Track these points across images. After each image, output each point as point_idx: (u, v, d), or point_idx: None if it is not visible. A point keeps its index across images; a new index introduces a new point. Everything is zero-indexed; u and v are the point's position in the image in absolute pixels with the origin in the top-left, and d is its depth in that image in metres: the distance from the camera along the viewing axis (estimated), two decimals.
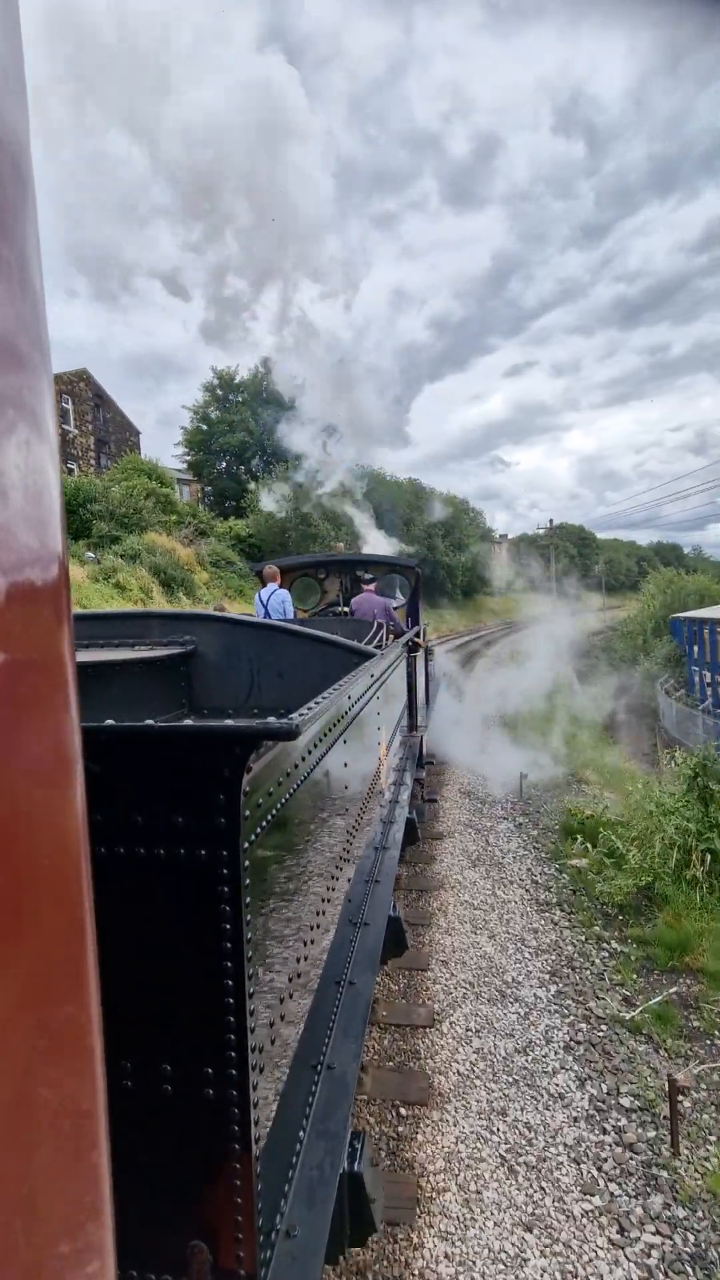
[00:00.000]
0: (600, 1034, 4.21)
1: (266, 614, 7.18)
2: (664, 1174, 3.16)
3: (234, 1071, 1.19)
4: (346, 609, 8.47)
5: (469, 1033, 4.22)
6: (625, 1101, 3.61)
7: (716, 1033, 4.22)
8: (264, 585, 7.52)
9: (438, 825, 8.05)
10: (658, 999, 4.51)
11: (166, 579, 24.14)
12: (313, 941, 1.86)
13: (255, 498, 33.98)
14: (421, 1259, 2.76)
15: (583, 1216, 2.95)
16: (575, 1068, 3.89)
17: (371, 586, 7.80)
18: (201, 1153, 1.21)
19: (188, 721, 1.47)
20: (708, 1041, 4.16)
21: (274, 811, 1.44)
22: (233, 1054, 1.18)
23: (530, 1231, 2.89)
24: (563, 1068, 3.88)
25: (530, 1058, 3.99)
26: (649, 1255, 2.79)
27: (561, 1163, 3.22)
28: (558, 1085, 3.74)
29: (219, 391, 43.76)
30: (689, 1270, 2.73)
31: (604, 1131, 3.42)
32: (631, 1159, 3.24)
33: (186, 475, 43.66)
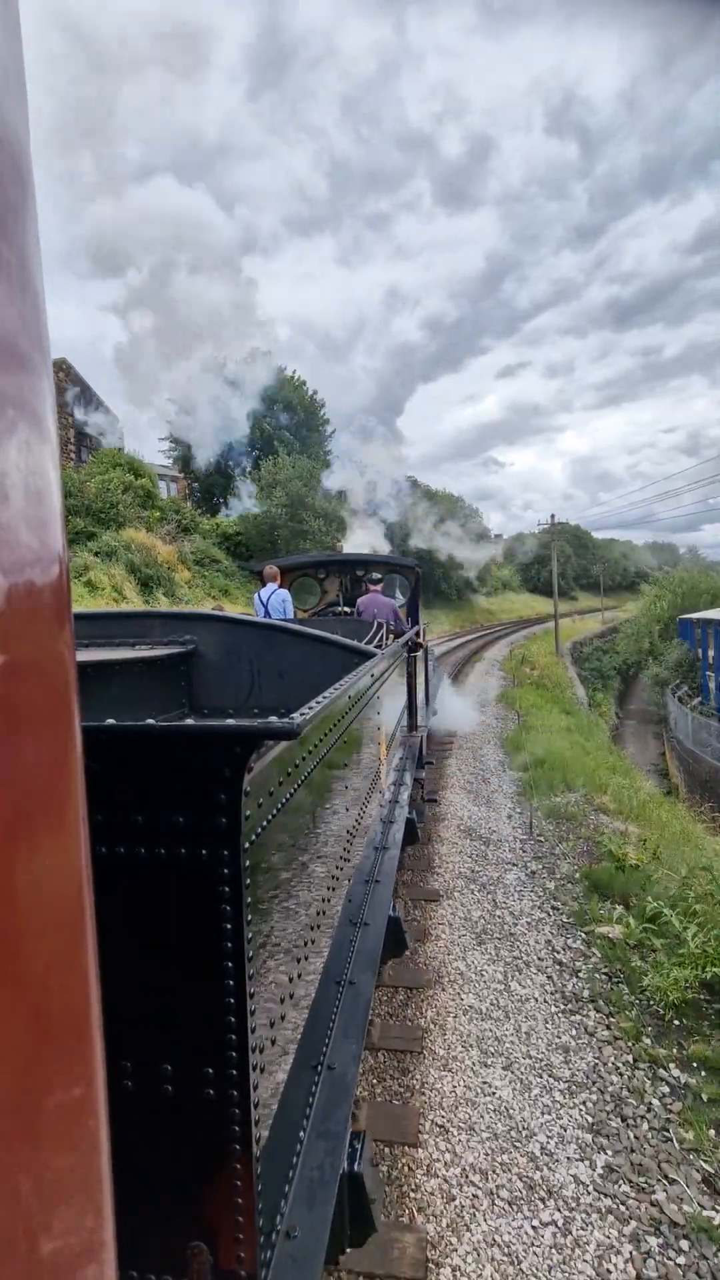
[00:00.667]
0: (684, 1258, 2.79)
1: (266, 614, 7.06)
2: None
3: (234, 1071, 1.19)
4: (347, 609, 8.39)
5: None
6: None
7: None
8: (264, 585, 7.39)
9: (433, 879, 6.36)
10: None
11: (143, 578, 22.79)
12: (313, 941, 1.85)
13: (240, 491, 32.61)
14: None
15: None
16: None
17: (378, 587, 7.67)
18: (202, 1153, 1.21)
19: (188, 721, 1.28)
20: None
21: (275, 811, 1.44)
22: (233, 1054, 1.18)
23: None
24: None
25: None
26: None
27: None
28: None
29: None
30: None
31: None
32: None
33: (172, 471, 42.21)
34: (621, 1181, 3.11)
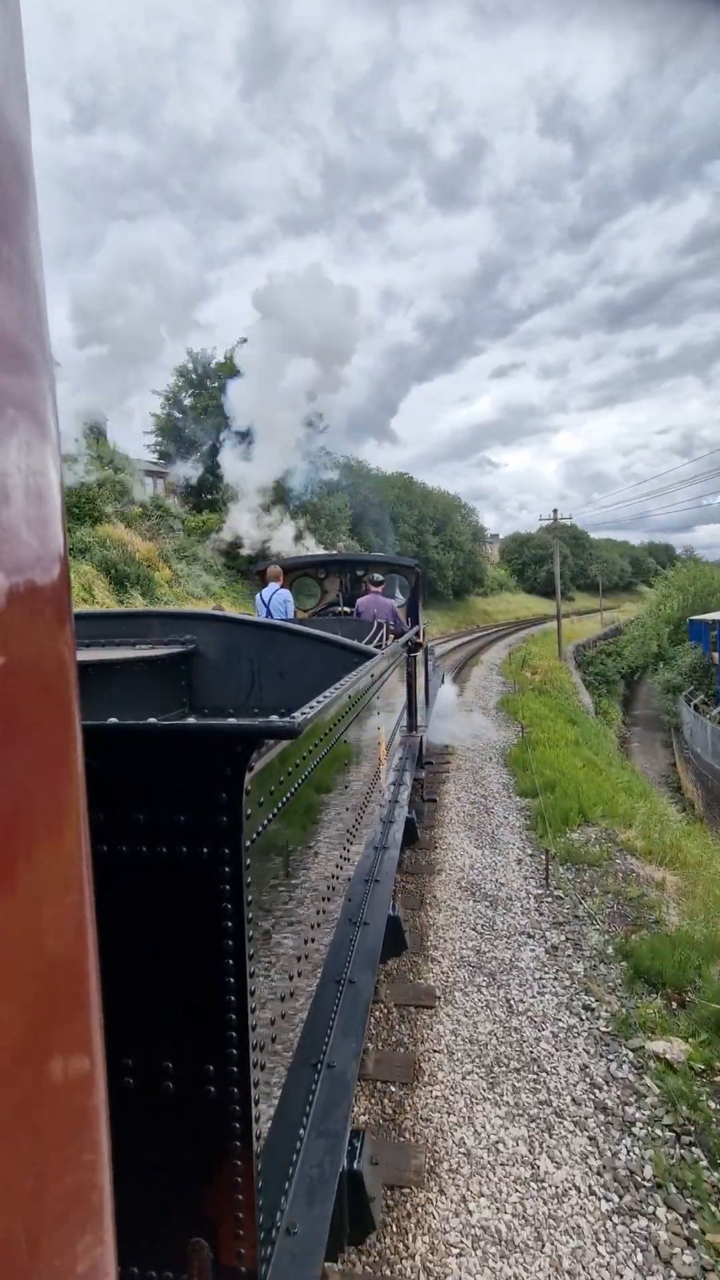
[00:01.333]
0: None
1: (268, 614, 7.08)
2: None
3: (235, 1069, 1.19)
4: (347, 609, 8.38)
5: None
6: None
7: None
8: (265, 585, 7.41)
9: (427, 968, 4.77)
10: None
11: (118, 575, 21.34)
12: (313, 940, 1.86)
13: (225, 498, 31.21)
14: None
15: None
16: None
17: (378, 588, 7.63)
18: (202, 1150, 1.22)
19: (189, 721, 1.28)
20: None
21: (275, 810, 1.44)
22: (234, 1052, 1.19)
23: None
24: None
25: None
26: None
27: None
28: None
29: (194, 375, 40.73)
30: None
31: None
32: None
33: (160, 466, 40.74)
34: None
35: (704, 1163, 3.15)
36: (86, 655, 3.20)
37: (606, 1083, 3.69)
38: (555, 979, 4.72)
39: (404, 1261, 2.65)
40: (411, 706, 6.62)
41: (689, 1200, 2.96)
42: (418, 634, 7.81)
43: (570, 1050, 3.97)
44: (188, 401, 40.96)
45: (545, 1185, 3.02)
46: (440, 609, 46.62)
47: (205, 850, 1.17)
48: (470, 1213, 2.87)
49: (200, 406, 39.88)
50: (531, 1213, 2.87)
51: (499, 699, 17.62)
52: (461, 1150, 3.21)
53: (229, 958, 1.17)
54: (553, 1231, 2.80)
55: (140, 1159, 1.21)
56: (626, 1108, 3.51)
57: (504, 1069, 3.79)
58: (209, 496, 36.22)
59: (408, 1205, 2.90)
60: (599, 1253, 2.71)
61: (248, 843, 1.21)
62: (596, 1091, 3.63)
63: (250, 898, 1.21)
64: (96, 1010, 0.59)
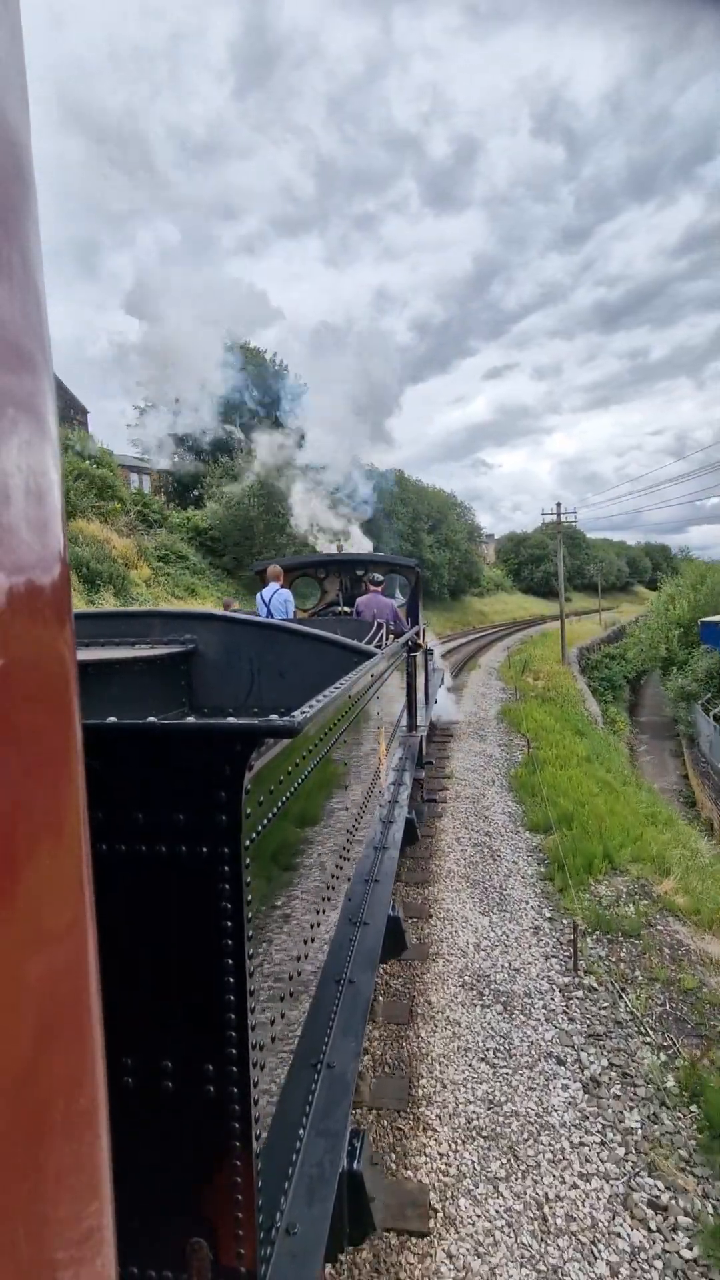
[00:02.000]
0: None
1: (268, 613, 7.08)
2: None
3: (234, 1069, 1.19)
4: (347, 609, 8.33)
5: None
6: None
7: None
8: (265, 585, 7.45)
9: (416, 1152, 3.23)
10: None
11: (90, 574, 19.99)
12: (313, 940, 1.85)
13: (218, 480, 29.75)
14: None
15: None
16: None
17: (378, 588, 7.56)
18: (202, 1150, 1.22)
19: (189, 720, 1.29)
20: None
21: (275, 810, 1.44)
22: (233, 1051, 1.18)
23: None
24: None
25: None
26: None
27: None
28: None
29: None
30: None
31: None
32: None
33: (145, 462, 39.23)
34: None
35: None
36: (86, 655, 3.19)
37: None
38: (602, 1144, 3.30)
39: None
40: (411, 707, 6.53)
41: None
42: (417, 634, 7.73)
43: None
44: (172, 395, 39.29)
45: None
46: (436, 609, 45.16)
47: (205, 849, 1.17)
48: None
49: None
50: None
51: (500, 707, 16.16)
52: None
53: (228, 957, 1.17)
54: None
55: (140, 1159, 1.20)
56: None
57: None
58: (195, 493, 34.71)
59: None
60: None
61: (247, 842, 1.21)
62: None
63: (250, 897, 1.21)
64: (96, 1009, 0.59)
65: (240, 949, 1.17)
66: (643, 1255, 2.71)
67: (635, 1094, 3.62)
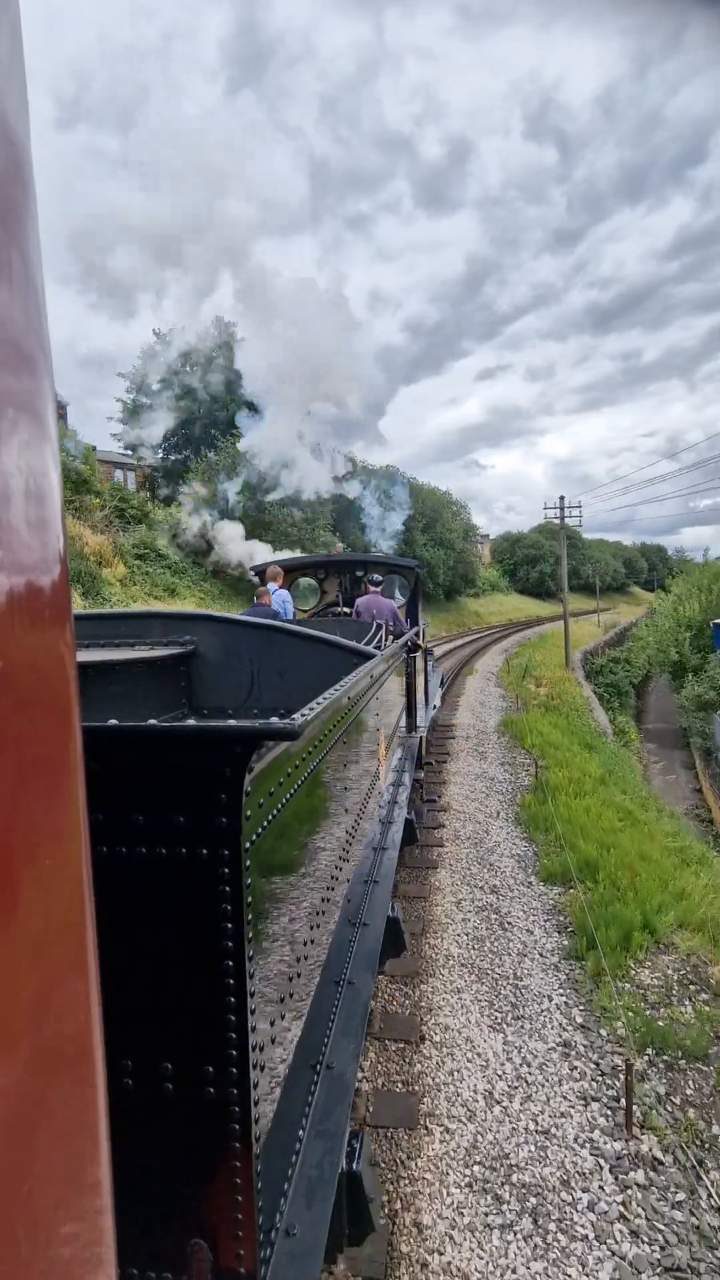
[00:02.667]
0: None
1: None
2: None
3: (234, 1070, 1.19)
4: (346, 610, 8.27)
5: None
6: None
7: None
8: (264, 585, 7.21)
9: None
10: None
11: None
12: (312, 941, 1.84)
13: (198, 491, 28.44)
14: None
15: None
16: None
17: (377, 588, 7.45)
18: (201, 1151, 1.22)
19: (189, 722, 1.47)
20: None
21: (275, 811, 1.44)
22: (233, 1053, 1.18)
23: None
24: None
25: None
26: None
27: None
28: None
29: (161, 359, 37.55)
30: None
31: None
32: None
33: (128, 457, 37.75)
34: None
35: None
36: (86, 656, 3.14)
37: None
38: None
39: None
40: (411, 707, 6.49)
41: None
42: (417, 635, 7.66)
43: None
44: (156, 386, 37.79)
45: None
46: (431, 610, 43.64)
47: (205, 851, 1.17)
48: None
49: (174, 392, 36.79)
50: None
51: (500, 718, 14.70)
52: None
53: (228, 959, 1.17)
54: None
55: (140, 1160, 1.20)
56: None
57: None
58: (180, 488, 33.20)
59: None
60: None
61: (247, 844, 1.21)
62: None
63: (250, 899, 1.21)
64: (97, 1011, 0.59)
65: (240, 950, 1.17)
66: None
67: None
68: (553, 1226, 2.84)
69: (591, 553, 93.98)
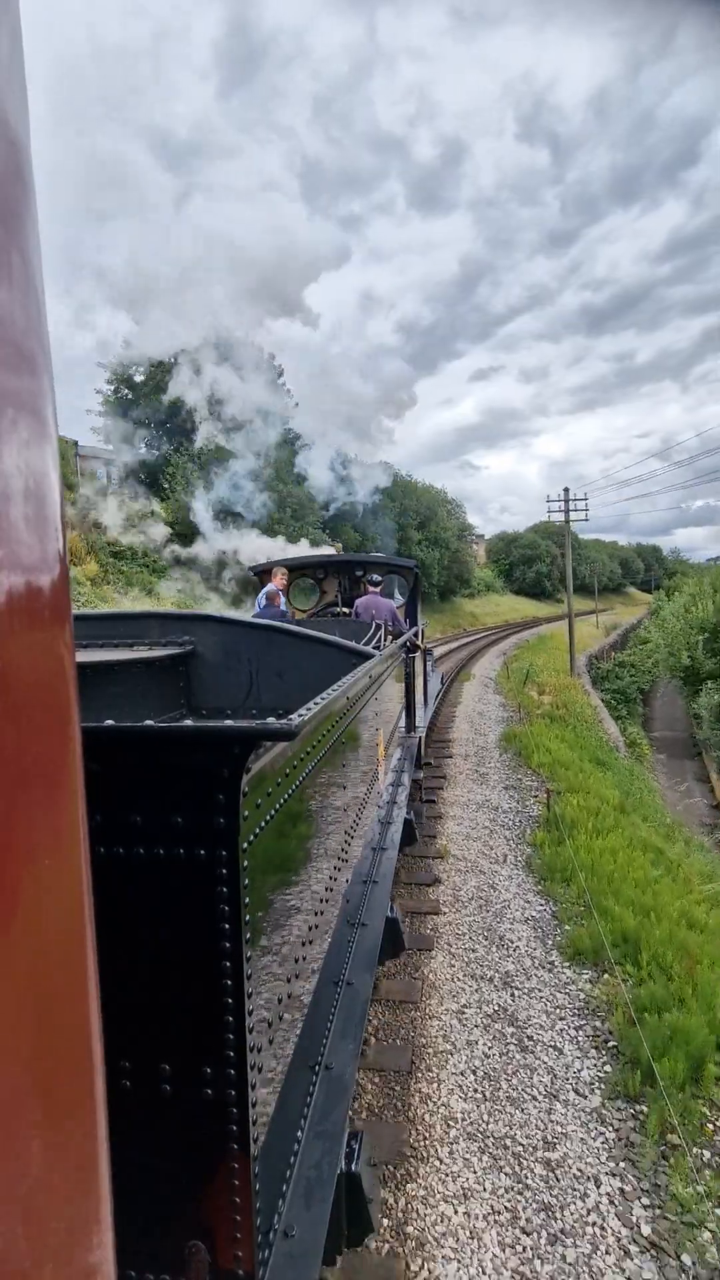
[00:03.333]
0: None
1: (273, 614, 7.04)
2: None
3: (232, 1071, 1.19)
4: (345, 610, 8.25)
5: None
6: None
7: None
8: (264, 585, 7.32)
9: None
10: None
11: None
12: (311, 942, 1.84)
13: (178, 484, 27.13)
14: None
15: None
16: None
17: (376, 588, 7.45)
18: (200, 1153, 1.21)
19: (187, 722, 1.48)
20: None
21: (273, 812, 1.44)
22: (231, 1054, 1.18)
23: None
24: None
25: None
26: None
27: None
28: None
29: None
30: None
31: None
32: None
33: (111, 453, 36.15)
34: None
35: None
36: (84, 656, 3.11)
37: None
38: None
39: None
40: (410, 707, 6.51)
41: None
42: (416, 635, 7.62)
43: None
44: (139, 378, 36.29)
45: None
46: (425, 611, 42.06)
47: (203, 852, 1.17)
48: None
49: (152, 380, 35.30)
50: None
51: (502, 731, 13.26)
52: None
53: (226, 959, 1.17)
54: None
55: (137, 1161, 1.20)
56: None
57: None
58: (164, 486, 31.73)
59: None
60: None
61: (245, 844, 1.21)
62: None
63: (248, 899, 1.21)
64: (95, 1012, 0.59)
65: (238, 951, 1.17)
66: None
67: None
68: None
69: (588, 553, 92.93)
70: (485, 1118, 3.38)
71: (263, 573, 7.67)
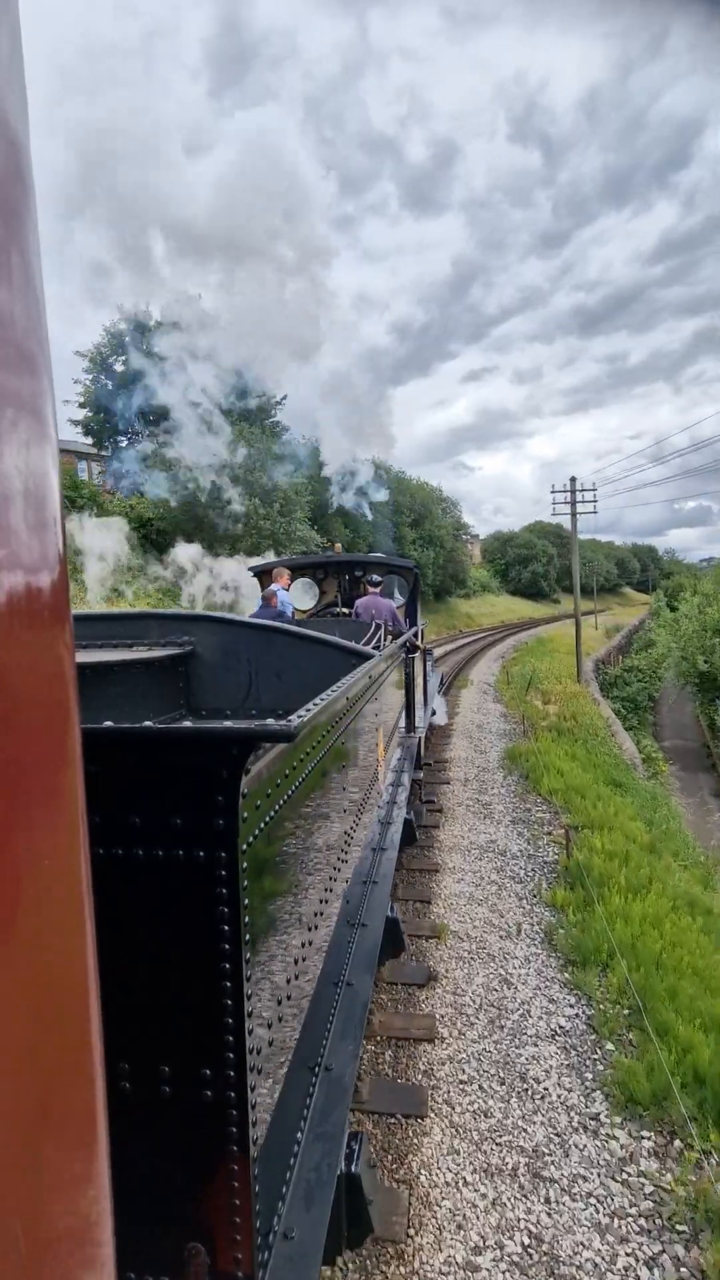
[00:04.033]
0: None
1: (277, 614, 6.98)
2: None
3: (232, 1073, 1.18)
4: (345, 610, 8.22)
5: None
6: None
7: None
8: (264, 585, 7.28)
9: None
10: None
11: None
12: (311, 943, 1.84)
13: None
14: None
15: None
16: None
17: (376, 589, 7.41)
18: (199, 1154, 1.21)
19: (186, 723, 1.46)
20: None
21: (272, 813, 1.43)
22: (231, 1055, 1.18)
23: None
24: None
25: None
26: None
27: None
28: None
29: (126, 337, 34.36)
30: None
31: None
32: None
33: (89, 447, 34.70)
34: None
35: None
36: (85, 657, 3.10)
37: None
38: None
39: None
40: (410, 707, 6.43)
41: None
42: (416, 635, 7.60)
43: None
44: (119, 368, 34.61)
45: None
46: (420, 612, 40.70)
47: (202, 853, 1.16)
48: None
49: (133, 371, 33.55)
50: None
51: (505, 747, 11.74)
52: None
53: (226, 961, 1.16)
54: None
55: (137, 1163, 1.19)
56: None
57: None
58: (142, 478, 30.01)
59: None
60: None
61: (244, 845, 1.20)
62: None
63: (247, 900, 1.20)
64: (95, 1013, 0.59)
65: (238, 952, 1.17)
66: None
67: None
68: None
69: (585, 553, 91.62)
70: None
71: (262, 573, 7.55)
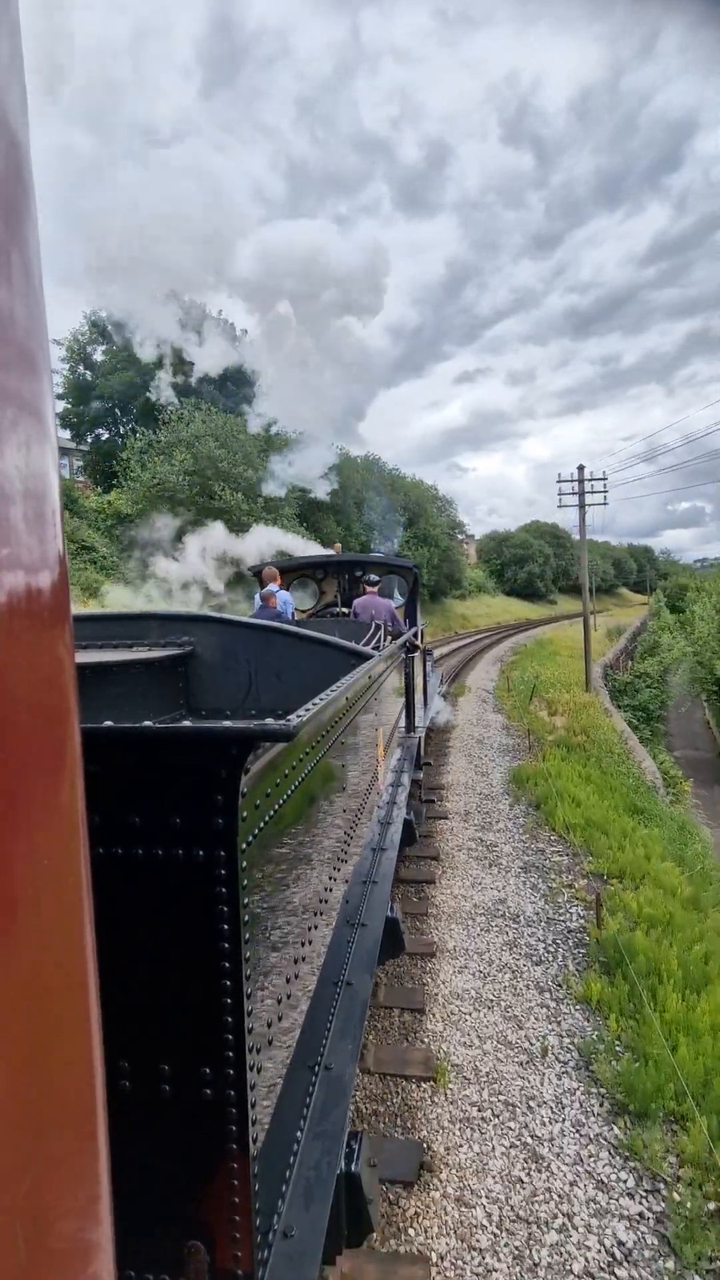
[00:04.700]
0: None
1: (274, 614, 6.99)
2: None
3: (231, 1072, 1.18)
4: (345, 610, 8.21)
5: None
6: None
7: None
8: (262, 585, 7.21)
9: None
10: None
11: None
12: (310, 942, 1.83)
13: (131, 462, 24.21)
14: None
15: None
16: None
17: (375, 589, 7.37)
18: (199, 1153, 1.20)
19: (186, 723, 1.44)
20: None
21: (271, 812, 1.43)
22: (230, 1054, 1.17)
23: None
24: None
25: None
26: None
27: None
28: None
29: (108, 326, 32.77)
30: None
31: None
32: None
33: (67, 441, 33.16)
34: None
35: None
36: (84, 657, 3.11)
37: None
38: None
39: None
40: (409, 707, 6.43)
41: None
42: (415, 635, 7.58)
43: None
44: (99, 357, 33.01)
45: None
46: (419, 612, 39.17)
47: (201, 853, 1.16)
48: None
49: (112, 359, 32.08)
50: None
51: (509, 768, 10.30)
52: None
53: (225, 960, 1.16)
54: None
55: (136, 1162, 1.18)
56: None
57: None
58: (113, 469, 28.58)
59: None
60: None
61: (244, 845, 1.19)
62: None
63: (247, 900, 1.20)
64: (95, 1012, 0.58)
65: (237, 952, 1.16)
66: None
67: None
68: None
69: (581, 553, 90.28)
70: None
71: (258, 573, 7.65)
